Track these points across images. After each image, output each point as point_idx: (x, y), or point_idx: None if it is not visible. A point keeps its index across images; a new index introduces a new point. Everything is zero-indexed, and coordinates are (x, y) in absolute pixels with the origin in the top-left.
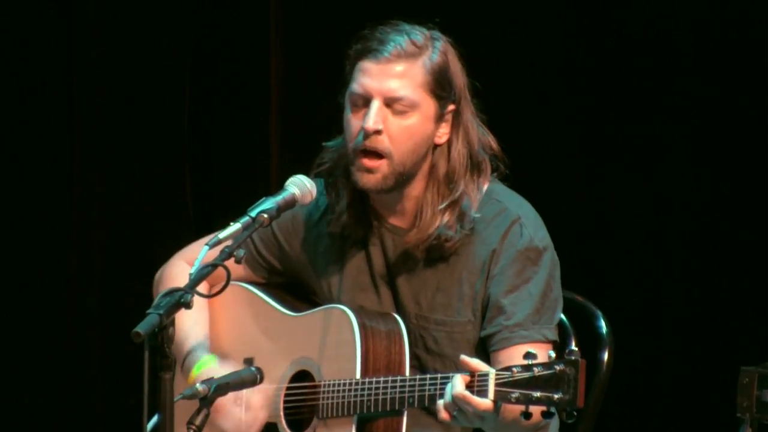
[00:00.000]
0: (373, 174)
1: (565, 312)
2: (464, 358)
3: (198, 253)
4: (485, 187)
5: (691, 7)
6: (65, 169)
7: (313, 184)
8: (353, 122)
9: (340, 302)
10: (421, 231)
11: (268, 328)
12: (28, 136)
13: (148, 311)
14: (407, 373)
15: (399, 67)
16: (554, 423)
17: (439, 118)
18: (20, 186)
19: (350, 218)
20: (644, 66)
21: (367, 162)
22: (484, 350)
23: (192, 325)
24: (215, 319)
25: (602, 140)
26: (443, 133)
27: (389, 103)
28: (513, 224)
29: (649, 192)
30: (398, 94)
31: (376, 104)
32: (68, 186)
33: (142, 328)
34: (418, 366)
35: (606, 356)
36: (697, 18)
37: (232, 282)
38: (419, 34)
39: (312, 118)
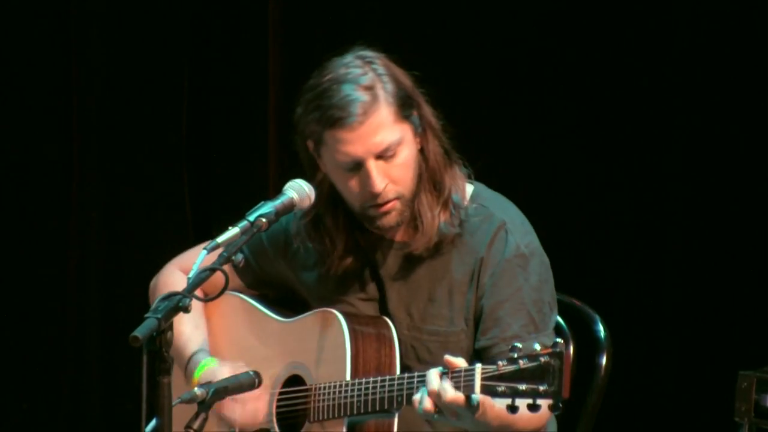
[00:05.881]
0: (390, 214)
1: (563, 316)
2: (448, 357)
3: (192, 260)
4: (468, 188)
5: (690, 5)
6: (64, 174)
7: (312, 189)
8: (351, 185)
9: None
10: (426, 234)
11: (260, 334)
12: (26, 140)
13: (146, 315)
14: (397, 374)
15: (372, 121)
16: (552, 424)
17: (416, 133)
18: (19, 190)
19: (351, 259)
20: (641, 64)
21: (380, 209)
22: (479, 358)
23: (193, 329)
24: (209, 325)
25: (600, 142)
26: (420, 140)
27: (380, 155)
28: (498, 231)
29: (647, 195)
30: (384, 145)
31: (372, 165)
32: (67, 190)
33: (140, 332)
34: None
35: (604, 360)
36: (696, 16)
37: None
38: (358, 72)
39: None
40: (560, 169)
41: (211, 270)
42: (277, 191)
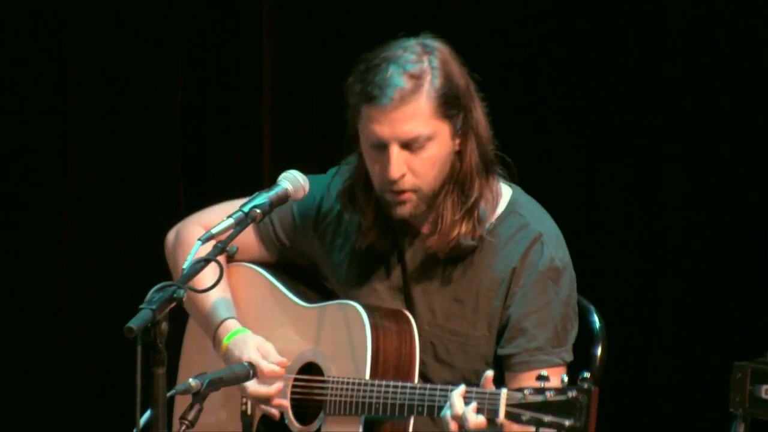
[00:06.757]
0: (405, 205)
1: None
2: (489, 377)
3: (216, 219)
4: (506, 192)
5: (690, 4)
6: (58, 166)
7: (306, 180)
8: (374, 164)
9: (351, 298)
10: (442, 236)
11: (280, 315)
12: (21, 132)
13: (141, 306)
14: (416, 372)
15: (406, 109)
16: None
17: (455, 133)
18: (13, 182)
19: (377, 235)
20: (640, 64)
21: (397, 197)
22: (497, 365)
23: (222, 293)
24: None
25: (594, 133)
26: (459, 142)
27: (406, 144)
28: (534, 243)
29: (643, 185)
30: (412, 135)
31: (394, 151)
32: (61, 182)
33: (134, 323)
34: (422, 372)
35: (599, 351)
36: (696, 15)
37: (246, 265)
38: (413, 58)
39: (304, 114)
40: (556, 161)
41: (206, 261)
42: (272, 182)
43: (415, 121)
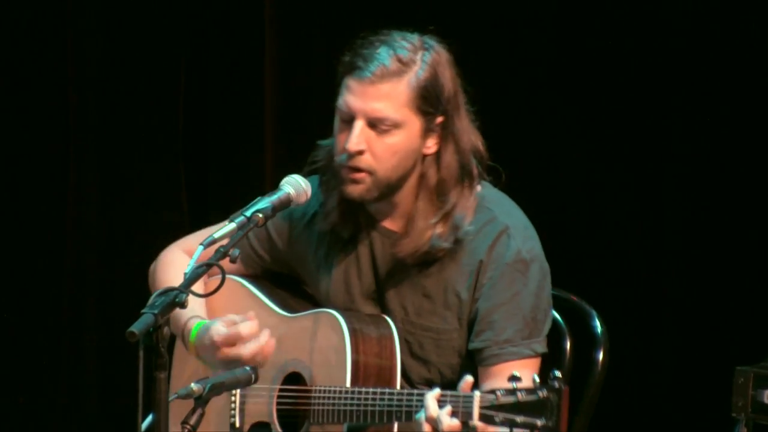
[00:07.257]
0: (357, 184)
1: (559, 311)
2: (469, 381)
3: (195, 245)
4: (478, 191)
5: (690, 6)
6: (60, 169)
7: (308, 184)
8: (339, 136)
9: (330, 302)
10: (414, 240)
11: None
12: (24, 134)
13: (143, 311)
14: (398, 378)
15: (382, 87)
16: None
17: (426, 133)
18: (14, 184)
19: (339, 217)
20: (638, 64)
21: (351, 174)
22: (471, 358)
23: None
24: (211, 310)
25: (595, 138)
26: (432, 144)
27: (372, 123)
28: (500, 235)
29: (644, 190)
30: (381, 115)
31: (358, 125)
32: (63, 185)
33: (136, 327)
34: (402, 371)
35: (601, 356)
36: (696, 16)
37: (228, 275)
38: (408, 46)
39: (306, 116)
40: (557, 164)
41: (207, 265)
42: (274, 186)
43: (387, 101)
